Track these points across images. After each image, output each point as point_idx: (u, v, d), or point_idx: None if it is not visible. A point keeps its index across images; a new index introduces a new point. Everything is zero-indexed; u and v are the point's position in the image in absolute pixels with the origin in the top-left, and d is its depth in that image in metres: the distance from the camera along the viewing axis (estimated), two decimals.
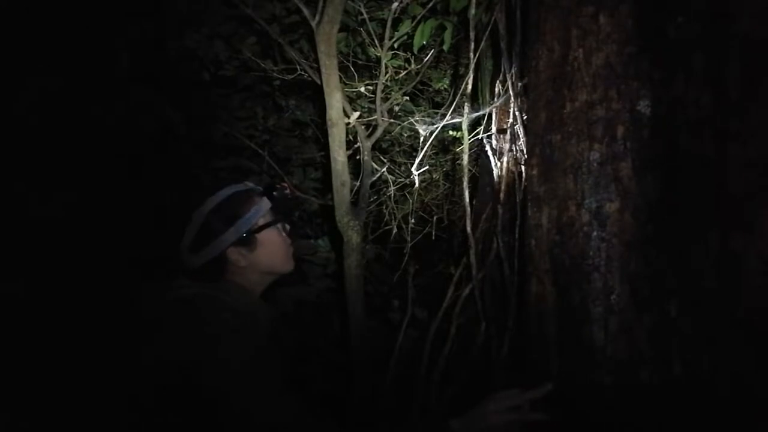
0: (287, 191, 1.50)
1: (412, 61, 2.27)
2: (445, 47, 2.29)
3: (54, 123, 2.40)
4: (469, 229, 1.98)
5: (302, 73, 2.18)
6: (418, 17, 2.07)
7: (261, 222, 1.42)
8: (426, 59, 2.25)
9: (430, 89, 3.05)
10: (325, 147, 2.80)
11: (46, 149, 2.39)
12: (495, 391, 1.32)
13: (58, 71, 2.35)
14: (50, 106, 2.36)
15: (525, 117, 1.83)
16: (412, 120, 2.37)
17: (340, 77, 1.94)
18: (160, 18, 2.28)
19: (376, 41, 1.97)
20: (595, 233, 1.27)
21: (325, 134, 1.93)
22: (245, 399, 1.17)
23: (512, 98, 1.95)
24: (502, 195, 2.07)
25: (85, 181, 2.50)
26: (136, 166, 2.61)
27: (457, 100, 2.10)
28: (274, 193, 1.46)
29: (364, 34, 2.14)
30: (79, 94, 2.40)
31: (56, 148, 2.42)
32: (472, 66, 1.91)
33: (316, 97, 2.71)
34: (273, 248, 1.46)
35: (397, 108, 2.49)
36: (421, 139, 2.36)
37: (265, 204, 1.44)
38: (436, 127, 2.26)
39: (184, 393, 1.20)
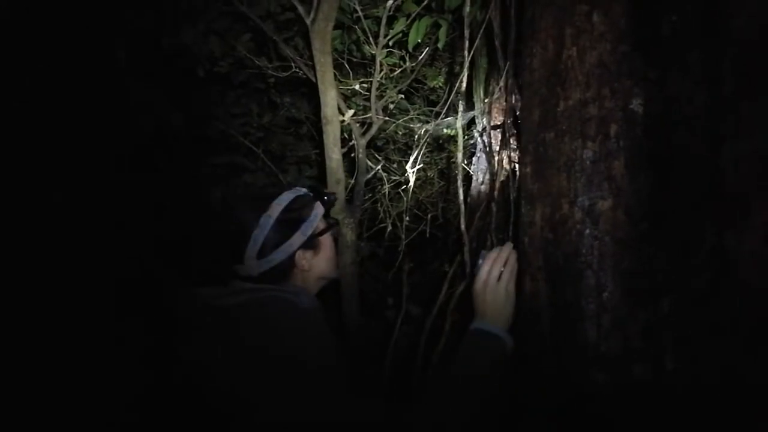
0: (334, 198, 1.53)
1: (407, 59, 2.28)
2: (439, 45, 2.29)
3: (52, 122, 2.39)
4: (463, 226, 1.98)
5: (297, 70, 2.18)
6: (413, 15, 2.07)
7: (320, 226, 1.44)
8: (421, 57, 2.26)
9: (425, 87, 3.05)
10: (319, 145, 2.80)
11: (45, 148, 2.39)
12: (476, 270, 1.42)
13: (57, 69, 2.34)
14: (49, 104, 2.35)
15: (519, 115, 1.84)
16: (407, 118, 2.38)
17: (335, 75, 1.93)
18: (157, 14, 2.27)
19: (371, 39, 1.97)
20: (587, 231, 1.27)
21: (319, 132, 1.93)
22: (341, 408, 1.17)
23: (506, 96, 1.96)
24: (496, 193, 2.08)
25: (84, 180, 2.50)
26: (133, 163, 2.61)
27: (451, 98, 2.10)
28: (326, 198, 1.48)
29: (358, 32, 2.14)
30: (77, 93, 2.39)
31: (54, 147, 2.42)
32: (466, 64, 1.91)
33: (311, 94, 2.71)
34: (330, 253, 1.49)
35: (392, 106, 2.49)
36: (416, 137, 2.37)
37: (320, 208, 1.45)
38: (432, 126, 2.27)
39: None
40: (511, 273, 1.40)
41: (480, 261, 1.44)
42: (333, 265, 1.52)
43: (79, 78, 2.38)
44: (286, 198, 1.39)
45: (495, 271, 1.39)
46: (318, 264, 1.45)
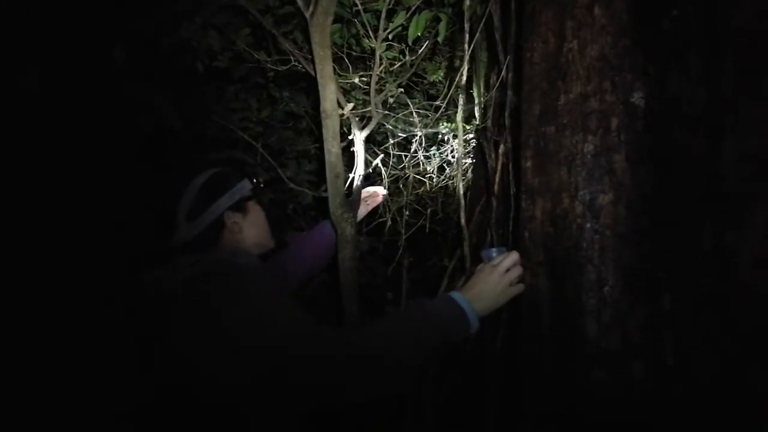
0: (261, 184, 1.67)
1: (407, 52, 2.26)
2: (439, 39, 2.28)
3: (50, 121, 2.38)
4: (463, 221, 1.98)
5: (296, 64, 2.17)
6: (413, 8, 2.06)
7: (248, 195, 1.57)
8: (421, 51, 2.25)
9: (425, 81, 3.04)
10: (319, 139, 2.79)
11: (43, 147, 2.38)
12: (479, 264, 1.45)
13: (53, 65, 2.33)
14: (46, 103, 2.34)
15: (519, 109, 1.83)
16: (406, 113, 2.37)
17: (334, 69, 1.92)
18: (156, 8, 2.26)
19: (370, 33, 1.95)
20: (588, 225, 1.27)
21: (319, 126, 1.92)
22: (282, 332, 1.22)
23: (507, 90, 1.95)
24: (496, 187, 2.07)
25: (82, 180, 2.49)
26: (131, 158, 2.59)
27: (451, 92, 2.09)
28: (254, 180, 1.62)
29: (358, 26, 2.13)
30: (75, 92, 2.38)
31: (53, 146, 2.41)
32: (466, 58, 1.90)
33: (311, 88, 2.70)
34: (260, 220, 1.61)
35: (391, 100, 2.48)
36: (416, 131, 2.36)
37: (247, 183, 1.59)
38: (431, 120, 2.26)
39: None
40: (518, 275, 1.40)
41: (494, 250, 1.46)
42: (265, 233, 1.63)
43: (78, 76, 2.37)
44: (212, 170, 1.55)
45: (507, 262, 1.39)
46: (248, 228, 1.55)
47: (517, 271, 1.40)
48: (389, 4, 1.87)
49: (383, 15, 1.82)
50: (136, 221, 2.51)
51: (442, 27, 2.21)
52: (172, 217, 1.47)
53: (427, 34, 2.38)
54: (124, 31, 2.32)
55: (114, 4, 2.29)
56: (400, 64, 2.27)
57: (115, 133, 2.52)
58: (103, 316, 2.20)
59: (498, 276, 1.38)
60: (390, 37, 2.14)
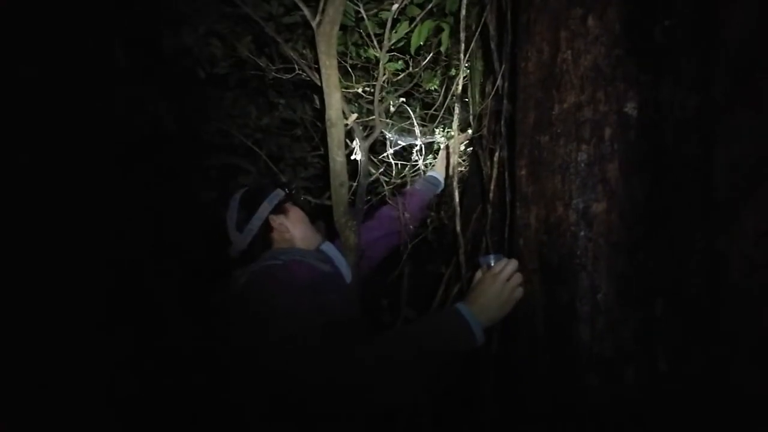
0: (293, 190, 1.82)
1: (410, 63, 2.28)
2: (442, 48, 2.29)
3: (48, 123, 2.39)
4: (458, 229, 1.99)
5: (300, 72, 2.17)
6: (417, 19, 2.08)
7: (284, 198, 1.73)
8: (425, 62, 2.26)
9: (421, 90, 3.05)
10: (317, 147, 2.80)
11: (40, 149, 2.39)
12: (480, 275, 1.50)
13: (52, 66, 2.34)
14: (45, 105, 2.35)
15: (514, 117, 1.85)
16: (407, 123, 2.38)
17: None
18: (157, 14, 2.27)
19: (374, 42, 1.96)
20: (582, 233, 1.29)
21: (318, 134, 1.93)
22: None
23: (502, 99, 1.96)
24: (491, 195, 2.09)
25: (79, 183, 2.49)
26: (129, 167, 2.60)
27: (447, 101, 2.11)
28: (284, 187, 1.75)
29: (361, 34, 2.14)
30: (74, 94, 2.39)
31: (50, 149, 2.41)
32: (462, 67, 1.92)
33: (310, 96, 2.72)
34: (302, 217, 1.75)
35: (392, 109, 2.49)
36: (417, 140, 2.37)
37: (280, 190, 1.74)
38: (428, 129, 2.28)
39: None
40: (519, 282, 1.42)
41: (491, 257, 1.47)
42: (310, 229, 1.76)
43: (76, 79, 2.38)
44: (245, 186, 1.73)
45: (508, 270, 1.41)
46: (294, 226, 1.70)
47: (518, 279, 1.42)
48: (394, 14, 1.87)
49: (389, 25, 1.82)
50: (134, 226, 2.52)
51: (444, 36, 2.22)
52: (224, 233, 1.65)
53: (428, 44, 2.40)
54: (125, 36, 2.33)
55: (116, 10, 2.30)
56: (405, 73, 2.29)
57: (111, 134, 2.53)
58: (98, 317, 2.21)
59: (500, 285, 1.40)
60: (393, 47, 2.15)
